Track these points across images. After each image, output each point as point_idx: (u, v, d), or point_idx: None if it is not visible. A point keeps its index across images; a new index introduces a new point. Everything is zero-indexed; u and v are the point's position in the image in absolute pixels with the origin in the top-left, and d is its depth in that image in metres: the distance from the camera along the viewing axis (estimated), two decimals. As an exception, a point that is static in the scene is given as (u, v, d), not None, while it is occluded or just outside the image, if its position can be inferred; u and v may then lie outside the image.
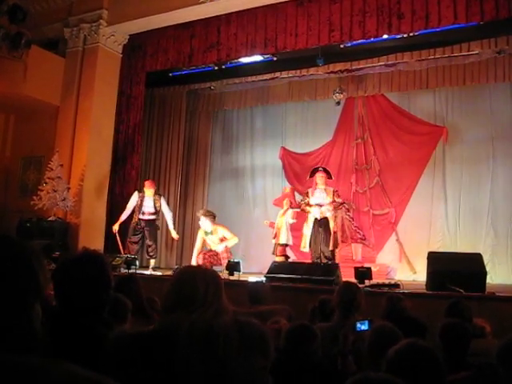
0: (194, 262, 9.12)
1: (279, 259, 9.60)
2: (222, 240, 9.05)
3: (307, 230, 9.00)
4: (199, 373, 1.58)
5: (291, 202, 10.03)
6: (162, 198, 10.11)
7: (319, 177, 9.05)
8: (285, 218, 9.87)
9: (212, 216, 9.10)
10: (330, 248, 8.78)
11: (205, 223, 9.06)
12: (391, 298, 4.51)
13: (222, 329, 1.64)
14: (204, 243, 9.28)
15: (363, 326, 3.15)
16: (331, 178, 9.24)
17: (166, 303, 1.92)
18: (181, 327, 1.68)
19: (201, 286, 1.85)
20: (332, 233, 8.81)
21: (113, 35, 11.10)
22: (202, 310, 1.77)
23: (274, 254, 9.91)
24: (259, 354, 1.67)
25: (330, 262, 8.43)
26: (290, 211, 9.91)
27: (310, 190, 9.12)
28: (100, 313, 2.03)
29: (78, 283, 1.98)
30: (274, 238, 9.95)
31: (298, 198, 10.29)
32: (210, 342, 1.61)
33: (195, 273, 1.96)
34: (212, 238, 9.10)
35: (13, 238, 1.30)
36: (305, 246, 9.02)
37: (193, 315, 1.75)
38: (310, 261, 8.99)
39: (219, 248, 8.94)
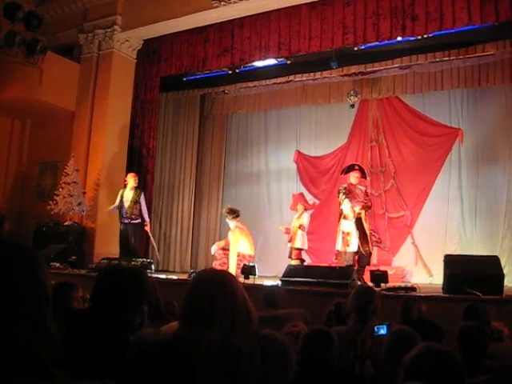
0: (213, 247, 9.28)
1: (294, 263, 9.56)
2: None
3: (352, 227, 8.40)
4: None
5: (305, 206, 10.00)
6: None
7: (353, 177, 8.68)
8: (300, 222, 9.82)
9: (229, 214, 9.10)
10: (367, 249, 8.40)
11: (228, 221, 9.12)
12: (407, 301, 4.48)
13: (244, 348, 1.62)
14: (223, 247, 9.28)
15: (381, 331, 3.13)
16: (365, 177, 8.97)
17: (181, 312, 1.91)
18: (199, 346, 1.66)
19: (206, 299, 1.81)
20: (368, 233, 8.47)
21: (127, 41, 11.18)
22: (217, 325, 1.74)
23: (289, 257, 9.88)
24: (281, 370, 1.66)
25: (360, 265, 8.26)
26: (306, 217, 9.87)
27: (346, 186, 8.66)
28: (126, 319, 2.06)
29: (115, 294, 2.02)
30: (290, 241, 9.92)
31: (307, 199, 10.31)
32: (230, 363, 1.59)
33: (206, 280, 1.92)
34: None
35: (15, 244, 1.30)
36: (348, 245, 8.37)
37: (210, 331, 1.72)
38: (325, 264, 8.92)
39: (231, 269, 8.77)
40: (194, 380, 1.62)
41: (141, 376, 1.73)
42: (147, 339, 1.88)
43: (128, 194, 9.77)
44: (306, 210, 9.97)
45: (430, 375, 1.99)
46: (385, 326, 3.14)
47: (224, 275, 2.02)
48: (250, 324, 1.80)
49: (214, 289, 1.85)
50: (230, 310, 1.78)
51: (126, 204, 9.73)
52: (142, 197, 9.97)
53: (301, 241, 9.80)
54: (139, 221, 9.84)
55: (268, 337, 1.74)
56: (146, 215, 9.98)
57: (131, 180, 9.83)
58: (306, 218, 9.86)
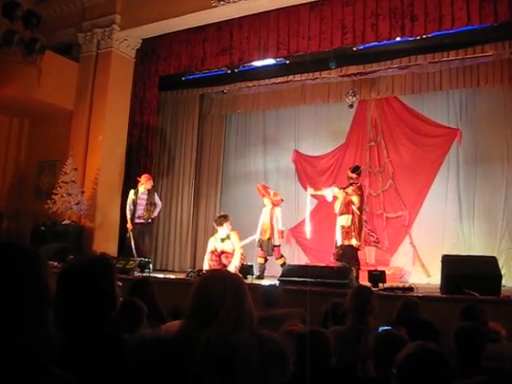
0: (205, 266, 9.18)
1: (280, 261, 9.63)
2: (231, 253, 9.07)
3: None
4: None
5: (272, 201, 10.00)
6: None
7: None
8: (275, 220, 9.85)
9: (224, 219, 9.08)
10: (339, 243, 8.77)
11: (220, 230, 9.07)
12: (407, 301, 4.49)
13: (241, 347, 1.62)
14: (214, 251, 9.23)
15: None
16: (352, 172, 9.20)
17: (187, 311, 1.90)
18: (197, 343, 1.66)
19: (218, 295, 1.81)
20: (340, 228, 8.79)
21: (126, 40, 11.18)
22: (219, 323, 1.74)
23: (269, 254, 9.85)
24: (278, 370, 1.67)
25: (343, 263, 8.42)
26: (279, 214, 9.91)
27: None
28: (107, 315, 2.04)
29: (79, 287, 2.00)
30: (269, 237, 9.84)
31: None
32: (227, 361, 1.59)
33: (214, 281, 1.90)
34: (227, 244, 9.08)
35: (19, 245, 1.30)
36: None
37: (209, 328, 1.72)
38: (323, 264, 8.99)
39: (231, 268, 8.85)
40: (192, 376, 1.62)
41: (139, 375, 1.73)
42: (146, 337, 1.88)
43: (143, 197, 9.88)
44: (275, 205, 9.98)
45: (420, 374, 2.00)
46: (390, 329, 3.14)
47: (238, 277, 2.04)
48: (250, 328, 1.80)
49: (228, 287, 1.85)
50: (236, 311, 1.79)
51: (143, 206, 9.81)
52: (157, 197, 10.28)
53: (278, 237, 9.86)
54: (149, 220, 10.05)
55: (265, 337, 1.74)
56: (156, 211, 10.32)
57: (148, 182, 9.97)
58: (279, 215, 9.91)
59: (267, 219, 9.91)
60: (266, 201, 10.03)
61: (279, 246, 9.94)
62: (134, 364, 1.75)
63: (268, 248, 9.81)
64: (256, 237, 10.04)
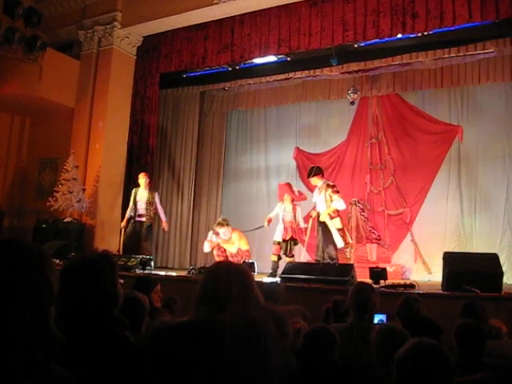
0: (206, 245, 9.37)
1: (291, 260, 9.50)
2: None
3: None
4: (245, 368, 1.58)
5: (292, 198, 9.76)
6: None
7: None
8: (297, 219, 9.70)
9: (225, 223, 9.11)
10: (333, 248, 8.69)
11: (223, 234, 9.08)
12: (407, 298, 4.49)
13: (263, 322, 1.65)
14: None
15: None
16: (308, 177, 9.15)
17: (196, 301, 1.95)
18: (220, 323, 1.67)
19: (225, 282, 1.93)
20: (332, 232, 8.68)
21: (127, 37, 11.17)
22: (232, 305, 1.82)
23: (285, 254, 9.68)
24: (283, 336, 1.83)
25: (333, 262, 8.42)
26: (300, 213, 9.78)
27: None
28: (109, 312, 2.04)
29: (80, 284, 2.00)
30: (291, 237, 9.70)
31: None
32: (254, 337, 1.61)
33: (226, 267, 2.06)
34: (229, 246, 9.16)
35: (23, 242, 1.30)
36: None
37: (225, 310, 1.78)
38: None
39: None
40: (222, 361, 1.62)
41: (160, 365, 1.72)
42: (164, 324, 1.88)
43: (142, 195, 9.89)
44: (293, 201, 9.72)
45: (419, 369, 2.01)
46: (389, 323, 3.15)
47: (242, 266, 2.24)
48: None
49: (234, 275, 1.99)
50: (243, 293, 1.93)
51: (141, 204, 9.82)
52: (157, 197, 10.16)
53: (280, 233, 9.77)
54: (151, 221, 10.04)
55: (271, 310, 1.82)
56: (162, 214, 10.21)
57: (142, 180, 9.94)
58: (300, 214, 9.76)
59: (289, 218, 9.66)
60: (287, 198, 9.63)
61: (297, 244, 9.83)
62: (154, 353, 1.75)
63: (287, 248, 9.61)
64: (279, 235, 9.58)
